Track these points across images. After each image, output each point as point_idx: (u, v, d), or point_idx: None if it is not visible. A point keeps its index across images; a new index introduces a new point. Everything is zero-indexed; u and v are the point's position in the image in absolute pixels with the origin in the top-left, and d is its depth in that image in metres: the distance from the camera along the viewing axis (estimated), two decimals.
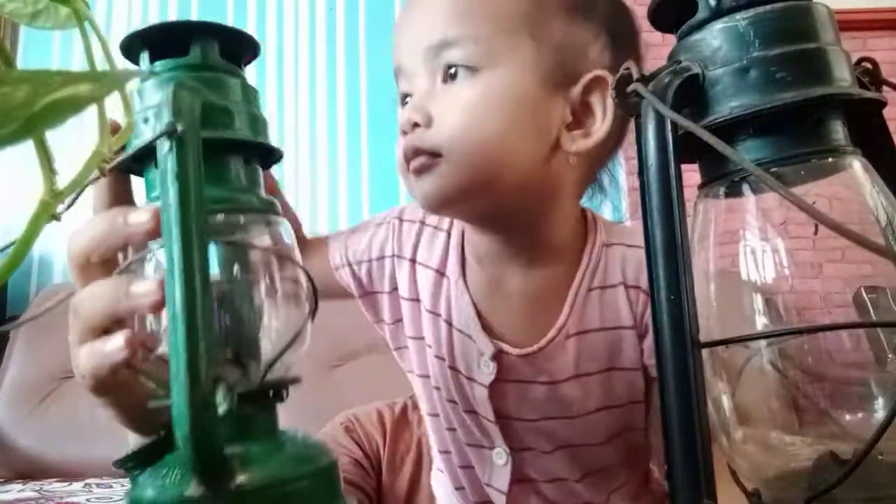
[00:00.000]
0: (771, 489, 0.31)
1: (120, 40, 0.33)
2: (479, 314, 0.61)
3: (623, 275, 0.60)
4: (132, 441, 0.35)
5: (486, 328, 0.60)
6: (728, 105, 0.30)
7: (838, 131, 0.30)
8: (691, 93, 0.30)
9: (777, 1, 0.30)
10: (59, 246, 1.85)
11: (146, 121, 0.31)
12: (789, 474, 0.31)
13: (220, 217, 0.32)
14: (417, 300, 0.65)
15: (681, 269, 0.28)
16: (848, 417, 0.32)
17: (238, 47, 0.35)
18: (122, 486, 1.20)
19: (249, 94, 0.34)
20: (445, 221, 0.64)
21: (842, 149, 0.30)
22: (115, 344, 0.29)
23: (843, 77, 0.30)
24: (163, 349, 0.31)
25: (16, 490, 1.19)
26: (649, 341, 0.59)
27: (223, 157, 0.32)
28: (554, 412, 0.61)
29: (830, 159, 0.30)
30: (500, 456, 0.63)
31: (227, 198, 0.32)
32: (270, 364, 0.31)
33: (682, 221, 0.29)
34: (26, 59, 1.95)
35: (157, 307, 0.28)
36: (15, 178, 1.86)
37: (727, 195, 0.31)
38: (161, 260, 0.30)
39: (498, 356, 0.60)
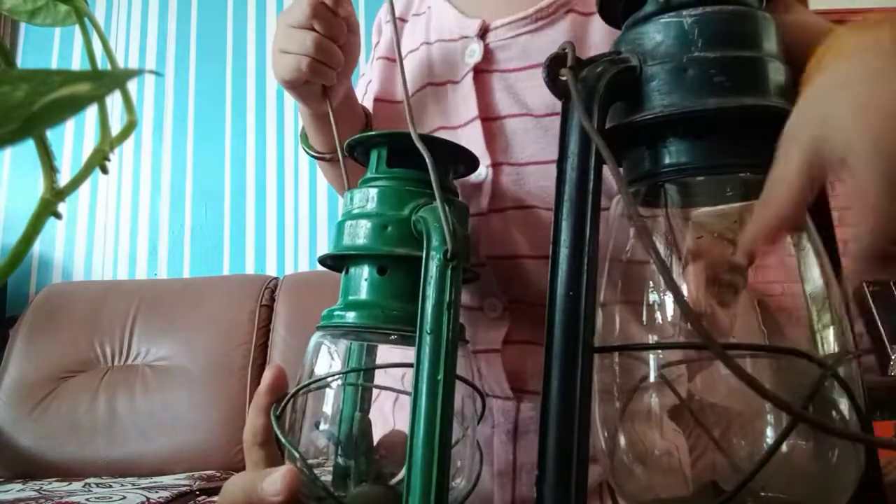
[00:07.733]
0: None
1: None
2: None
3: None
4: None
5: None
6: (660, 103, 0.28)
7: (767, 148, 0.28)
8: (626, 85, 0.29)
9: (726, 3, 0.29)
10: (60, 246, 1.79)
11: (384, 227, 0.35)
12: (669, 501, 0.30)
13: None
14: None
15: (584, 266, 0.26)
16: (742, 448, 0.31)
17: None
18: (122, 485, 1.18)
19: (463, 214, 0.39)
20: None
21: (764, 166, 0.28)
22: None
23: (778, 92, 0.28)
24: None
25: (15, 490, 1.17)
26: None
27: None
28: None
29: (749, 174, 0.28)
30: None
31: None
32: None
33: (594, 217, 0.27)
34: (26, 58, 1.92)
35: None
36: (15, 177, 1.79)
37: (645, 197, 0.29)
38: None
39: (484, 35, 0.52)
